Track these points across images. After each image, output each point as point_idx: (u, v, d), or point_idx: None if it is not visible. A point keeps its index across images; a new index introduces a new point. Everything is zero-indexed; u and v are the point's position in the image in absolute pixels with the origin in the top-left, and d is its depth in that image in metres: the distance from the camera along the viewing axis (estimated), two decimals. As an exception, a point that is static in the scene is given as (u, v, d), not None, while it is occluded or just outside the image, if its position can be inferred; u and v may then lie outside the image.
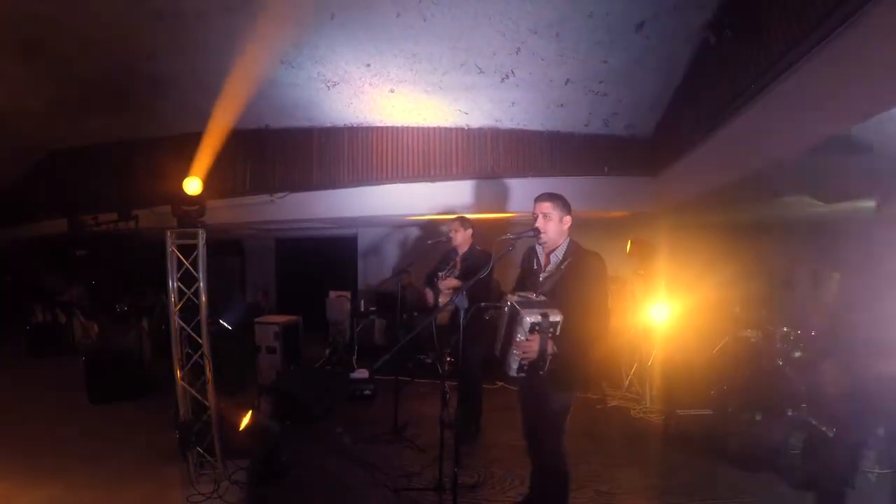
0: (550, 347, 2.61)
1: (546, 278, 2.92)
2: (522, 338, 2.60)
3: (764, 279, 7.40)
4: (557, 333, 2.60)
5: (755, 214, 6.84)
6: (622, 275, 6.26)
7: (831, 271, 5.62)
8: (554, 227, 2.89)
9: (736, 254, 7.31)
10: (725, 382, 5.36)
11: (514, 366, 2.72)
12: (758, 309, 6.12)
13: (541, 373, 2.68)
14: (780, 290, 7.60)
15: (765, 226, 7.78)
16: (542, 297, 2.77)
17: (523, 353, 2.64)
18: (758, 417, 4.35)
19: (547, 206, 2.90)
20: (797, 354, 5.11)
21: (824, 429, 3.98)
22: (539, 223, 2.90)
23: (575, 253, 2.88)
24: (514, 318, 2.67)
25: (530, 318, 2.55)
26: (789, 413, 4.30)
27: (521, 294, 2.81)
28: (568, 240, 2.93)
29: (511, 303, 2.72)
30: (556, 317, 2.57)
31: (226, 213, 7.60)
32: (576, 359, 2.76)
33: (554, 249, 2.93)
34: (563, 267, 2.86)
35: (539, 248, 3.01)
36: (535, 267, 3.03)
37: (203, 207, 3.87)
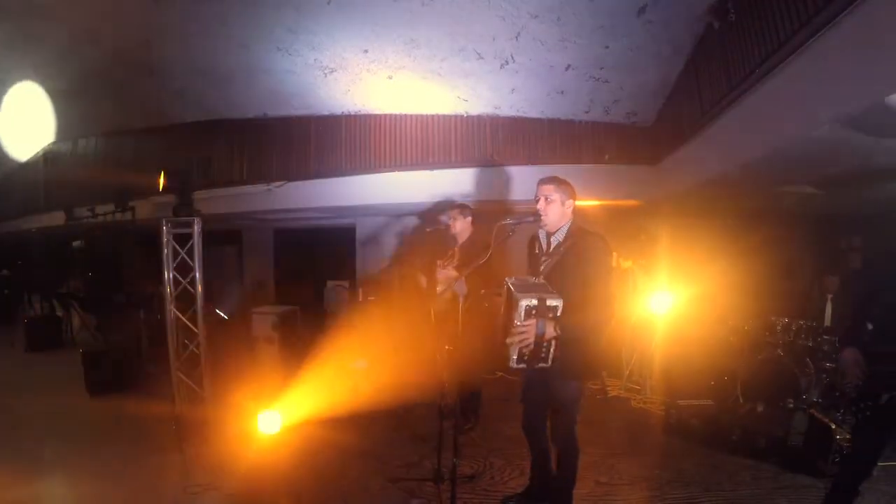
0: (552, 330, 2.48)
1: (546, 261, 2.88)
2: (518, 322, 2.48)
3: (766, 269, 7.37)
4: (557, 317, 2.47)
5: (757, 203, 6.79)
6: (623, 263, 6.20)
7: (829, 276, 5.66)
8: (555, 211, 2.84)
9: (737, 243, 7.27)
10: (726, 373, 5.34)
11: (514, 356, 2.58)
12: (759, 299, 6.09)
13: (542, 365, 2.59)
14: (782, 280, 7.58)
15: (767, 215, 7.73)
16: (541, 280, 2.70)
17: (520, 339, 2.50)
18: (759, 408, 4.33)
19: (549, 189, 2.85)
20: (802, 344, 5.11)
21: (826, 420, 3.96)
22: (540, 206, 2.85)
23: (576, 234, 2.83)
24: (511, 303, 2.56)
25: (526, 302, 2.43)
26: (790, 403, 4.28)
27: (520, 278, 2.74)
28: (570, 222, 2.88)
29: (508, 285, 2.64)
30: (553, 301, 2.45)
31: (223, 202, 7.54)
32: (578, 343, 2.67)
33: (556, 232, 2.89)
34: (562, 248, 2.82)
35: (542, 233, 2.97)
36: (538, 251, 3.00)
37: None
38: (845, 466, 3.04)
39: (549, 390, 2.89)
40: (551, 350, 2.57)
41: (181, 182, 3.75)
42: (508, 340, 2.57)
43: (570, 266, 2.75)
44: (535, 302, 2.44)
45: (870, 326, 2.87)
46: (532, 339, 2.50)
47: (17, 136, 4.62)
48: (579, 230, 2.86)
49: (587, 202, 6.55)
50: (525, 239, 3.18)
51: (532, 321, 2.47)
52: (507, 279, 2.72)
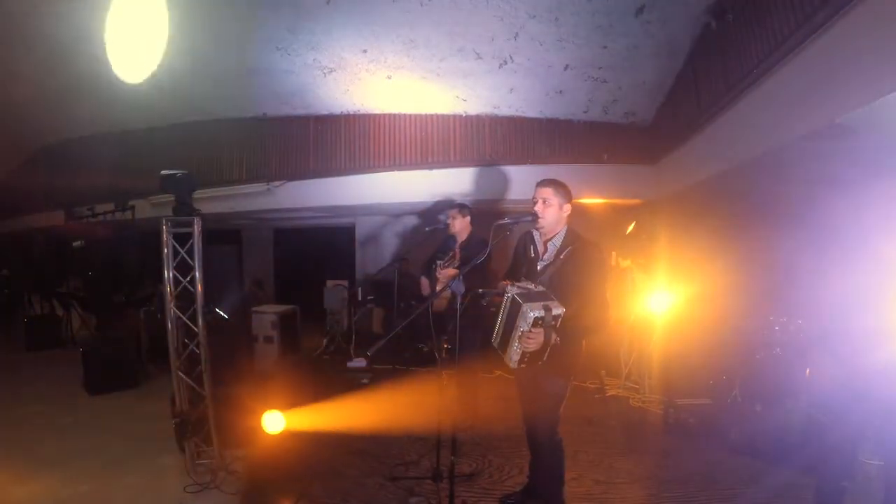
0: (553, 339, 2.60)
1: (545, 267, 2.88)
2: (525, 329, 2.56)
3: (764, 268, 7.37)
4: (558, 325, 2.58)
5: (755, 202, 6.79)
6: (622, 263, 6.22)
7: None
8: (553, 214, 2.84)
9: (736, 242, 7.27)
10: (724, 372, 5.34)
11: (516, 358, 2.68)
12: (757, 298, 6.09)
13: (539, 363, 2.67)
14: (780, 279, 7.57)
15: (765, 214, 7.73)
16: (541, 288, 2.73)
17: (527, 345, 2.60)
18: (757, 407, 4.34)
19: (548, 192, 2.85)
20: (796, 344, 5.12)
21: (823, 418, 3.97)
22: (538, 208, 2.85)
23: (574, 242, 2.83)
24: (516, 312, 2.63)
25: (534, 313, 2.52)
26: (788, 403, 4.29)
27: (521, 286, 2.77)
28: (566, 227, 2.88)
29: (512, 296, 2.68)
30: (558, 310, 2.55)
31: (222, 202, 7.56)
32: (570, 347, 2.76)
33: (552, 237, 2.88)
34: (562, 256, 2.82)
35: (536, 235, 2.97)
36: (532, 255, 2.99)
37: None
38: (829, 465, 3.03)
39: (536, 386, 2.93)
40: (547, 352, 2.65)
41: (180, 181, 3.75)
42: (516, 347, 2.64)
43: (569, 274, 2.77)
44: (542, 313, 2.53)
45: None
46: (538, 347, 2.60)
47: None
48: (577, 237, 2.86)
49: (587, 200, 6.57)
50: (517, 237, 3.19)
51: (539, 330, 2.56)
52: (507, 287, 2.75)
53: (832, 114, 3.22)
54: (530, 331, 2.55)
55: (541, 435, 2.98)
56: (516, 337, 2.63)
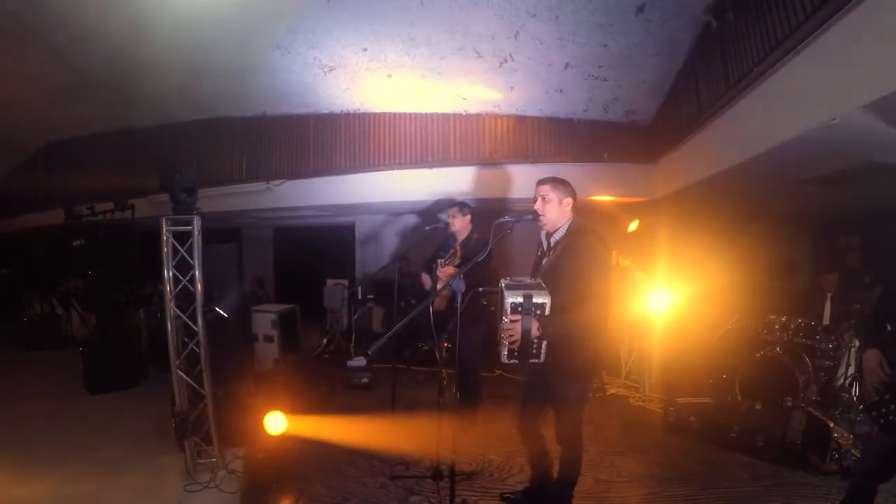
0: (535, 329, 2.52)
1: (546, 261, 2.88)
2: (506, 319, 2.53)
3: (765, 268, 7.39)
4: (545, 314, 2.50)
5: (755, 202, 6.80)
6: (622, 262, 6.22)
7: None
8: (553, 210, 2.83)
9: (736, 242, 7.29)
10: (725, 371, 5.35)
11: (505, 351, 2.63)
12: (758, 297, 6.11)
13: (532, 360, 2.62)
14: (781, 278, 7.59)
15: (765, 214, 7.74)
16: (537, 280, 2.71)
17: (507, 335, 2.55)
18: (757, 406, 4.34)
19: (545, 189, 2.84)
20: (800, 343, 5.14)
21: (824, 418, 3.98)
22: (538, 206, 2.84)
23: (575, 232, 2.81)
24: (501, 302, 2.60)
25: (511, 299, 2.48)
26: (788, 401, 4.29)
27: (515, 278, 2.75)
28: (569, 221, 2.86)
29: (502, 286, 2.66)
30: (540, 298, 2.48)
31: (222, 200, 7.56)
32: (577, 342, 2.68)
33: (554, 232, 2.88)
34: (559, 247, 2.81)
35: (543, 233, 2.96)
36: (539, 252, 3.00)
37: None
38: (862, 470, 2.92)
39: (551, 391, 2.90)
40: (542, 346, 2.60)
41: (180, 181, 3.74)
42: (501, 336, 2.61)
43: (565, 264, 2.73)
44: (520, 299, 2.48)
45: (889, 327, 2.82)
46: (518, 336, 2.53)
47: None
48: (579, 228, 2.83)
49: (586, 199, 6.56)
50: (525, 238, 3.18)
51: (517, 317, 2.50)
52: (502, 280, 2.72)
53: (832, 113, 3.22)
54: (509, 319, 2.51)
55: (562, 439, 2.94)
56: (500, 326, 2.60)
